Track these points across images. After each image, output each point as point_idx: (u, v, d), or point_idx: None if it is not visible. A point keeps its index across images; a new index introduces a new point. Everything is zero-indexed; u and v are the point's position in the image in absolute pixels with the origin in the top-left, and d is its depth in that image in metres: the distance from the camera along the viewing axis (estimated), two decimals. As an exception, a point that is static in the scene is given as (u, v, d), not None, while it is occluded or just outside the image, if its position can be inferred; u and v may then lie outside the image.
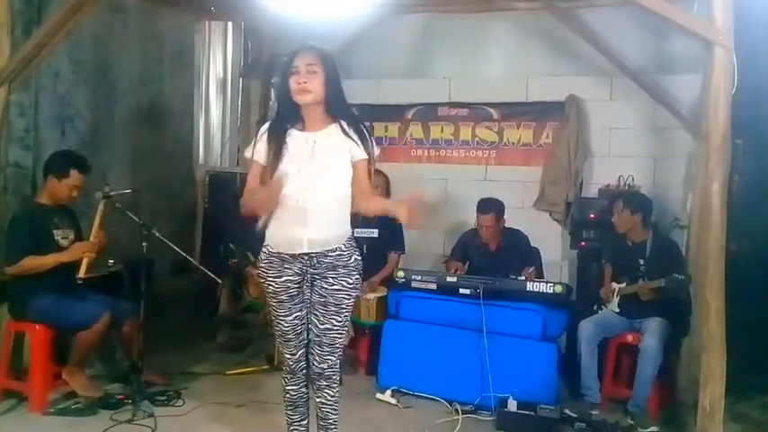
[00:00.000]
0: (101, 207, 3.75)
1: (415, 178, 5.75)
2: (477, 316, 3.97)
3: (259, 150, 2.67)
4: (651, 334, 3.86)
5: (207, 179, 5.33)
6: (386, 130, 5.88)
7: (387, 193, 4.88)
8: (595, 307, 4.31)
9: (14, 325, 3.73)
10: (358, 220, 4.78)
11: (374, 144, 2.73)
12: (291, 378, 2.85)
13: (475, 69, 5.55)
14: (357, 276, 2.77)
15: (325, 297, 2.71)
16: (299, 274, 2.70)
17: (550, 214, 5.36)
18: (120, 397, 3.75)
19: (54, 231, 3.73)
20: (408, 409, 3.95)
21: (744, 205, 4.47)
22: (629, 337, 4.07)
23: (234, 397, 3.97)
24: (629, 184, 5.05)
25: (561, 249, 5.34)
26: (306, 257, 2.66)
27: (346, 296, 2.73)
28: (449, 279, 4.23)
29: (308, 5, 4.51)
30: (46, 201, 3.76)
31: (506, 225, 4.56)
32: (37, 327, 3.63)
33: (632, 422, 3.76)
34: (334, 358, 2.78)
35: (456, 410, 3.89)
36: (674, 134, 4.99)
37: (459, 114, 5.63)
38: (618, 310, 4.16)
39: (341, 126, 2.66)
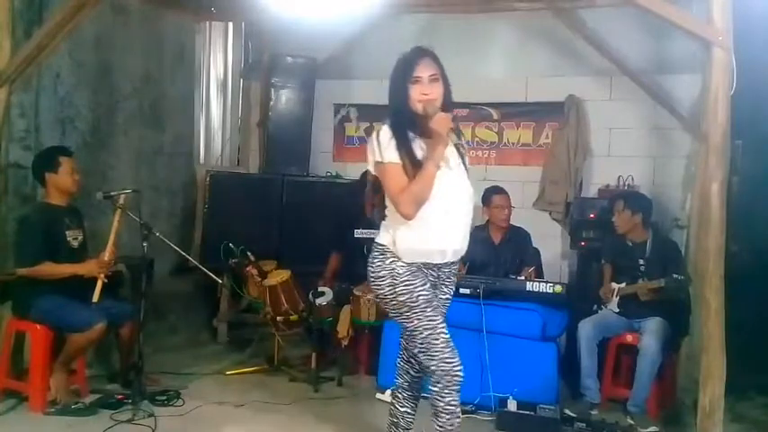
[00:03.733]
0: (116, 223, 3.75)
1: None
2: (477, 316, 3.97)
3: (392, 153, 2.55)
4: (651, 334, 3.86)
5: (208, 179, 5.34)
6: (386, 131, 5.87)
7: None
8: (595, 307, 4.31)
9: (16, 324, 3.73)
10: (359, 220, 4.84)
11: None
12: (458, 398, 2.66)
13: (475, 69, 5.55)
14: None
15: (438, 306, 2.71)
16: (430, 282, 2.68)
17: (550, 214, 5.38)
18: (120, 397, 3.75)
19: (66, 232, 3.74)
20: (408, 409, 3.94)
21: (743, 206, 4.46)
22: (629, 338, 4.07)
23: (234, 397, 3.98)
24: (628, 184, 5.06)
25: (561, 249, 5.35)
26: (435, 268, 2.66)
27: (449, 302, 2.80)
28: (449, 279, 4.23)
29: (308, 6, 4.51)
30: (56, 200, 3.76)
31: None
32: (38, 327, 3.63)
33: (632, 422, 3.76)
34: None
35: (456, 410, 3.89)
36: (673, 134, 5.00)
37: (459, 114, 5.64)
38: (617, 310, 4.16)
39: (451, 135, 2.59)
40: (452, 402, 2.63)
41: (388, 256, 2.64)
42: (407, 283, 2.59)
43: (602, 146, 5.32)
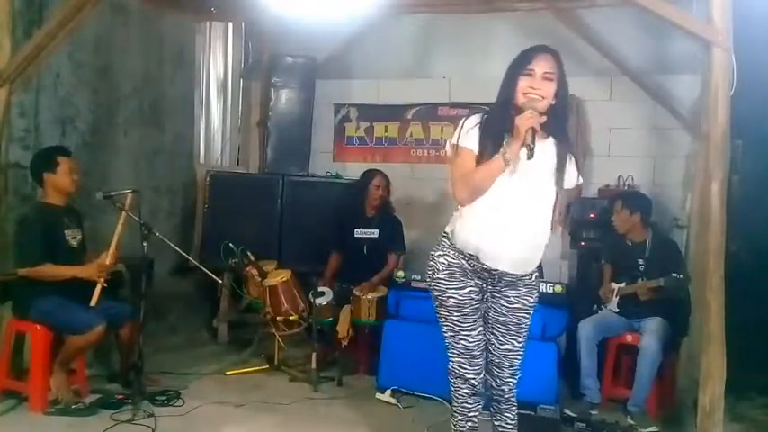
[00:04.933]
0: (119, 226, 3.74)
1: (414, 178, 5.77)
2: (476, 316, 3.97)
3: (471, 139, 2.48)
4: (650, 334, 3.86)
5: (208, 179, 5.34)
6: (386, 131, 5.88)
7: (387, 193, 4.89)
8: (595, 307, 4.31)
9: (16, 325, 3.74)
10: (359, 220, 4.84)
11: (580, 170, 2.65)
12: (474, 402, 2.68)
13: (475, 69, 5.55)
14: (537, 295, 2.69)
15: (505, 315, 2.63)
16: (479, 285, 2.60)
17: (550, 214, 5.36)
18: (120, 397, 3.75)
19: (65, 232, 3.74)
20: (408, 409, 3.95)
21: (743, 206, 4.47)
22: (629, 337, 4.07)
23: (234, 397, 3.98)
24: (628, 184, 5.06)
25: (561, 249, 5.34)
26: (487, 273, 2.55)
27: (526, 315, 2.65)
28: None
29: (308, 6, 4.51)
30: (54, 200, 3.76)
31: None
32: (38, 327, 3.63)
33: (632, 422, 3.77)
34: (515, 380, 2.72)
35: (456, 410, 3.88)
36: (673, 134, 5.00)
37: (460, 114, 5.62)
38: (617, 309, 4.16)
39: (556, 145, 2.53)
40: (465, 405, 2.69)
41: (439, 247, 2.63)
42: (442, 281, 2.60)
43: (602, 146, 5.32)
